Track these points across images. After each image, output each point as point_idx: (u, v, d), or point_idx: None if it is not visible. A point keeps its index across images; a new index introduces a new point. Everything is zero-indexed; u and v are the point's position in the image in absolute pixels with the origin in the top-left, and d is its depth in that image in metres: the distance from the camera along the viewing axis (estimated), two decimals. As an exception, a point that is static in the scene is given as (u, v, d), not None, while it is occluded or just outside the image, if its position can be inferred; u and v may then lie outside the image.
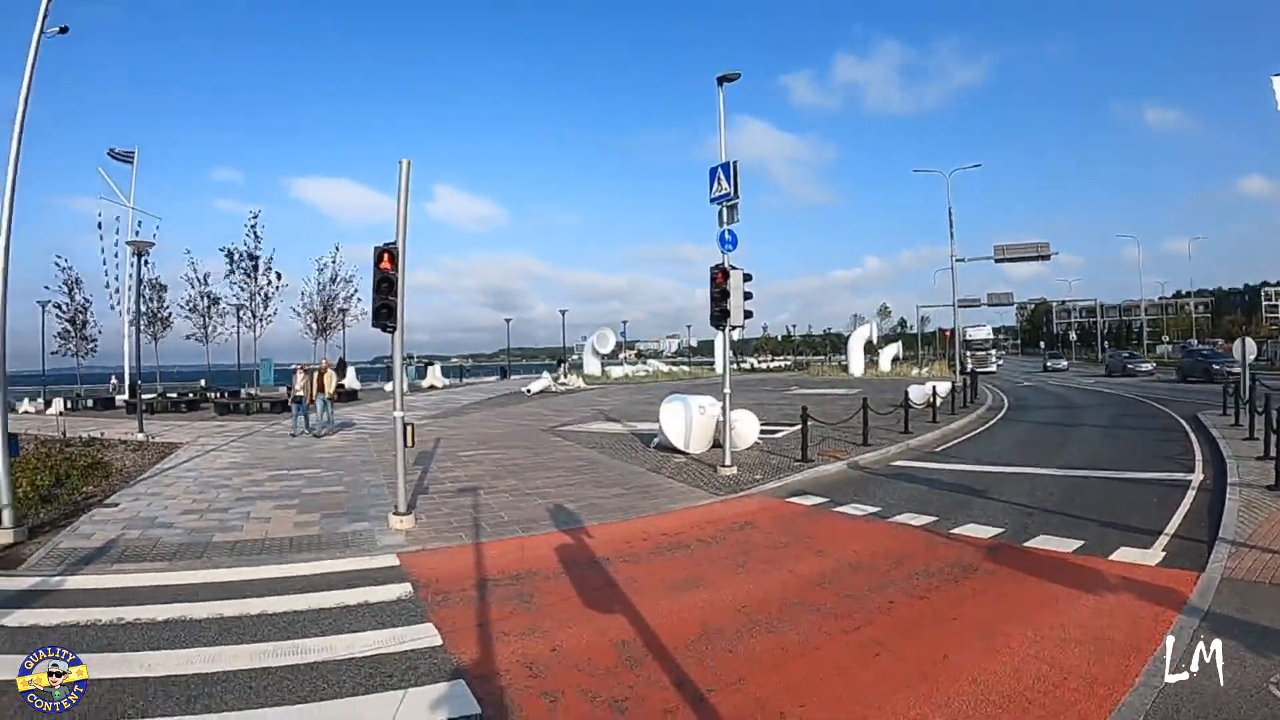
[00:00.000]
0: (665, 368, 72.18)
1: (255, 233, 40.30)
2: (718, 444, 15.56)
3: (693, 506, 11.54)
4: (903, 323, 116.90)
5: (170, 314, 43.03)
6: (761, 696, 5.03)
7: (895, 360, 65.06)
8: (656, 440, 17.58)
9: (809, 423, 15.79)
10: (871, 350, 63.86)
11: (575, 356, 67.96)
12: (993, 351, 70.51)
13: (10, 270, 9.66)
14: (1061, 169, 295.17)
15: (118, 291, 39.13)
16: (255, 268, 40.18)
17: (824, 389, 40.14)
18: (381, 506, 11.19)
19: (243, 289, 40.23)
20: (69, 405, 33.16)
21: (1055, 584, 7.36)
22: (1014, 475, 13.57)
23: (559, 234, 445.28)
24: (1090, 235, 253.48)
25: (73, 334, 41.34)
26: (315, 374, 22.00)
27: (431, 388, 48.73)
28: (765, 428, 18.74)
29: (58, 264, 40.19)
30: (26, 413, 32.71)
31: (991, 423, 23.34)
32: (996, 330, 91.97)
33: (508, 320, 78.47)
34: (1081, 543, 8.82)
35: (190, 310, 41.86)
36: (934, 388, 24.66)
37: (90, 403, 34.76)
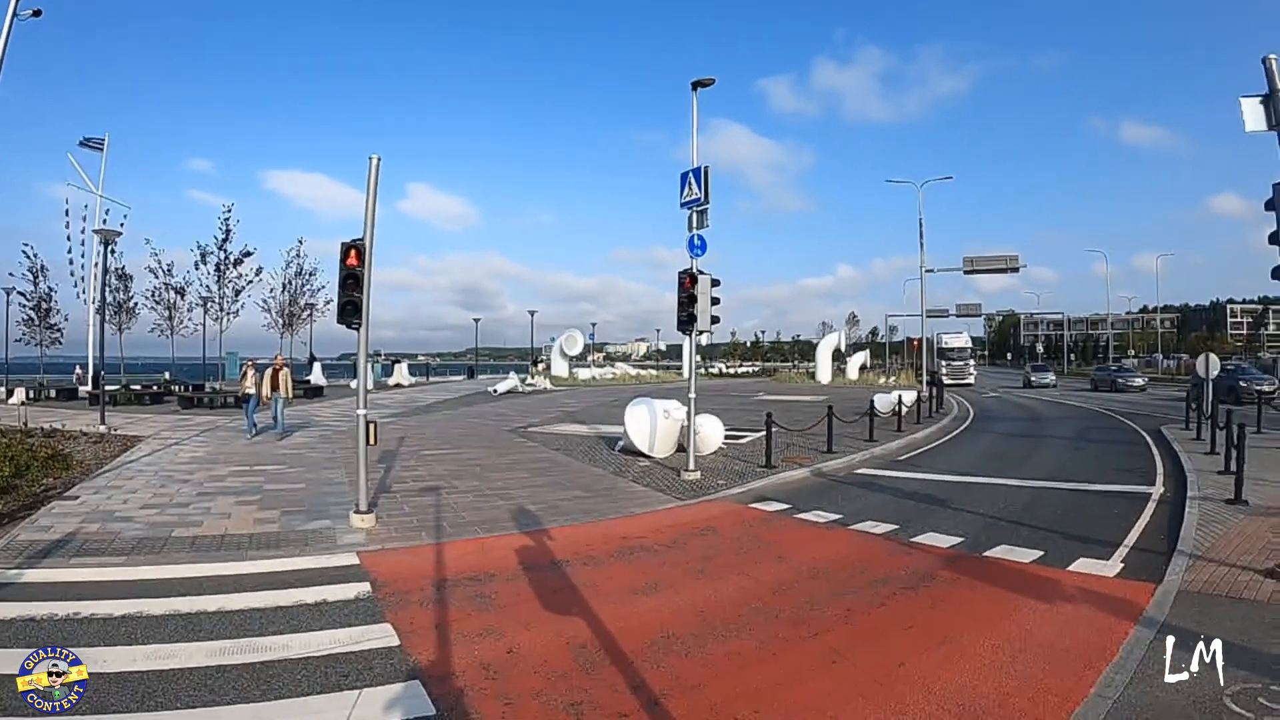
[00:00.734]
0: (633, 371, 72.36)
1: (228, 226, 39.95)
2: (682, 448, 15.63)
3: (655, 510, 11.59)
4: (874, 332, 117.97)
5: (136, 305, 42.52)
6: (717, 702, 5.06)
7: (863, 368, 65.55)
8: (621, 443, 17.61)
9: (773, 429, 15.90)
10: (839, 358, 64.44)
11: (544, 357, 67.74)
12: (971, 361, 61.48)
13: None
14: (1037, 183, 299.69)
15: (83, 280, 38.63)
16: (228, 261, 39.80)
17: (791, 396, 40.44)
18: (343, 504, 11.14)
19: (217, 285, 39.83)
20: (31, 395, 32.53)
21: (1013, 594, 7.46)
22: (976, 485, 13.74)
23: (533, 234, 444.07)
24: (1062, 249, 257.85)
25: (37, 323, 40.72)
26: (269, 371, 20.33)
27: (398, 386, 48.39)
28: (730, 433, 18.83)
29: (25, 252, 39.65)
30: (-12, 402, 32.05)
31: (956, 433, 23.59)
32: None
33: (476, 320, 78.41)
34: (1041, 553, 8.95)
35: (155, 302, 41.40)
36: (899, 396, 24.90)
37: (53, 393, 34.14)
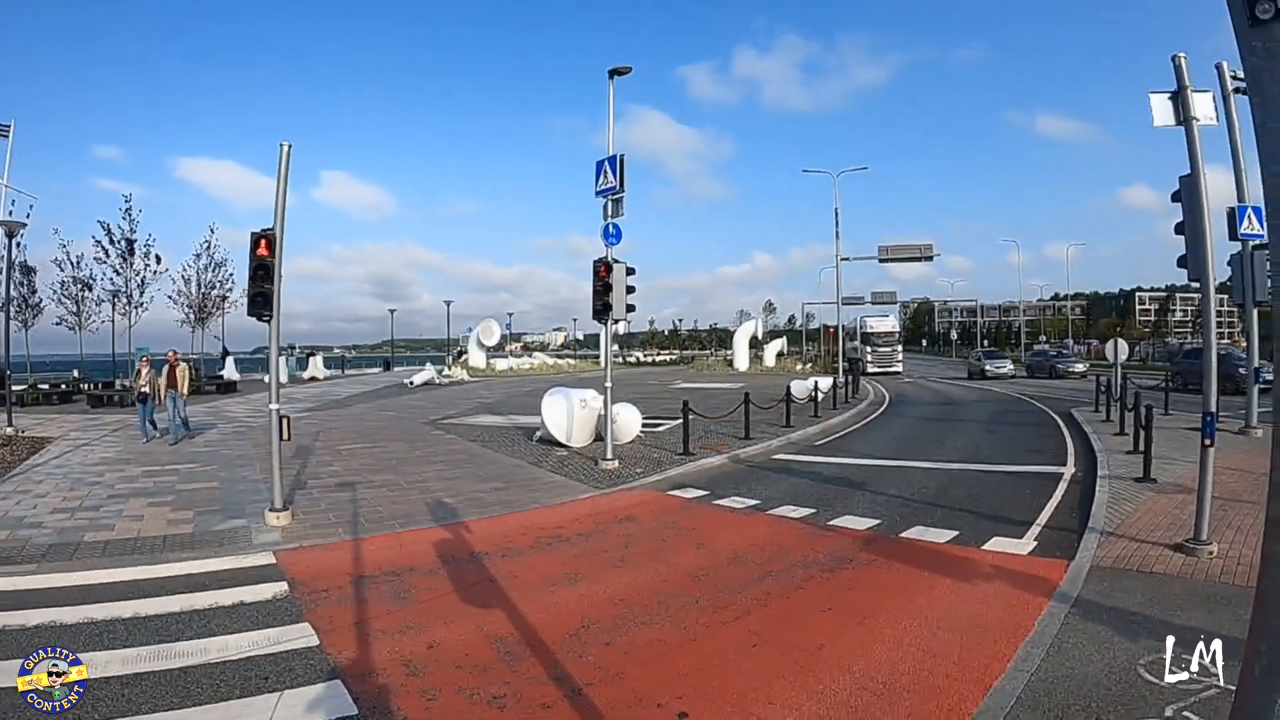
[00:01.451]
0: (551, 360, 72.03)
1: (130, 215, 38.50)
2: (600, 437, 15.73)
3: (573, 500, 11.69)
4: (791, 320, 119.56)
5: (41, 300, 40.75)
6: (640, 689, 5.18)
7: (780, 356, 66.23)
8: (539, 434, 17.66)
9: (691, 416, 16.11)
10: (757, 346, 65.12)
11: (460, 348, 67.00)
12: (899, 347, 57.97)
13: None
14: (954, 174, 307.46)
15: (-15, 275, 36.81)
16: (131, 251, 38.30)
17: (709, 383, 40.86)
18: (258, 503, 10.96)
19: (118, 273, 38.31)
20: (-71, 398, 31.15)
21: (930, 573, 7.71)
22: (892, 468, 14.15)
23: (451, 223, 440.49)
24: (976, 239, 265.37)
25: (-67, 320, 38.67)
26: (165, 368, 18.41)
27: (313, 379, 47.50)
28: (648, 421, 19.03)
29: None
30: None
31: (873, 418, 24.15)
32: None
33: (392, 311, 77.48)
34: (956, 533, 9.28)
35: (63, 296, 39.75)
36: (815, 383, 25.41)
37: (-47, 396, 32.74)
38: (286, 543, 9.16)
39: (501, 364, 60.16)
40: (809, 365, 60.92)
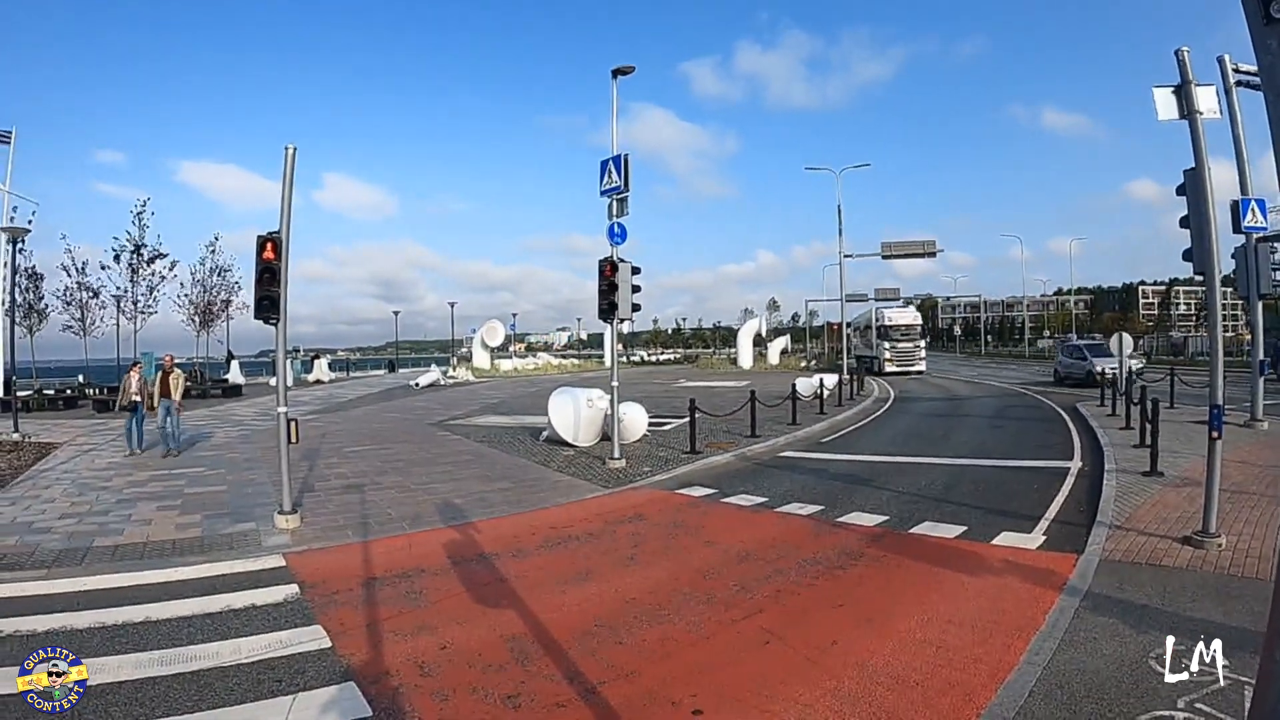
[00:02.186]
0: (555, 360, 71.99)
1: (141, 221, 38.52)
2: (606, 437, 15.76)
3: (582, 499, 11.71)
4: (795, 317, 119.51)
5: (47, 305, 40.74)
6: (653, 687, 5.18)
7: (784, 353, 66.16)
8: (545, 434, 17.68)
9: (697, 415, 16.11)
10: (761, 343, 65.02)
11: (464, 349, 66.96)
12: (922, 343, 48.98)
13: None
14: (956, 169, 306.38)
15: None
16: (141, 258, 38.31)
17: (713, 381, 40.84)
18: (266, 506, 10.99)
19: (133, 283, 38.32)
20: (-64, 404, 31.22)
21: (940, 569, 7.74)
22: (899, 464, 14.16)
23: (451, 223, 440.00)
24: (979, 234, 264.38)
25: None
26: (158, 374, 17.33)
27: (319, 382, 47.52)
28: (654, 420, 19.01)
29: None
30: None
31: (878, 414, 24.12)
32: None
33: (396, 312, 77.51)
34: (965, 528, 9.29)
35: (67, 301, 39.75)
36: (821, 380, 25.38)
37: (-41, 402, 32.82)
38: (296, 545, 9.18)
39: (506, 364, 60.10)
40: (813, 362, 60.83)
